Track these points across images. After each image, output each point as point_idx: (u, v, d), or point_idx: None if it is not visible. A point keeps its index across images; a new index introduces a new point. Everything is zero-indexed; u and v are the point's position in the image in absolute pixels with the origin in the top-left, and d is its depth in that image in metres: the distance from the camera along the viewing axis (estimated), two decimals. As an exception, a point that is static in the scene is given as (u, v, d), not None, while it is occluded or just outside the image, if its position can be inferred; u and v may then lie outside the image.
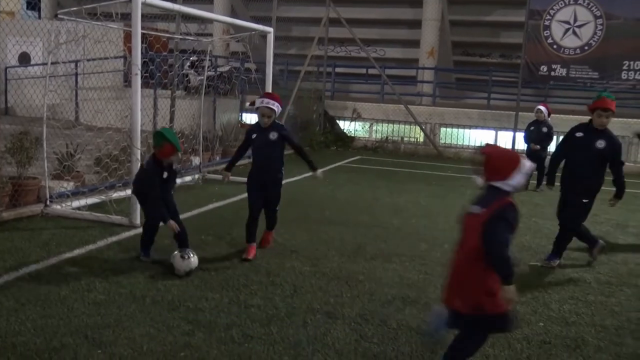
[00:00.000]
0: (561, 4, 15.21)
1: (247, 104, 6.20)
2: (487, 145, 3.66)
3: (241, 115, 15.79)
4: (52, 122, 8.00)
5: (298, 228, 7.27)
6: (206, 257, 5.80)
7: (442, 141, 16.89)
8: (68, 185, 7.98)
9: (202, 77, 11.74)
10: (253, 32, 10.58)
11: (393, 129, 17.27)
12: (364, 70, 20.02)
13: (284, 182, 6.36)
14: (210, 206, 8.41)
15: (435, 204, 9.51)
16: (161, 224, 5.69)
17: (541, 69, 15.57)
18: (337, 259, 6.20)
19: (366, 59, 17.86)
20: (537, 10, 15.37)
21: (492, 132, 16.50)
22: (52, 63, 8.17)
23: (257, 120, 6.08)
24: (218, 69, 15.64)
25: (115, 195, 8.01)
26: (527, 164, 3.50)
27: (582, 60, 15.22)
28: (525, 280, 5.89)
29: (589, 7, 14.98)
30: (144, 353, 3.92)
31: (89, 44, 9.65)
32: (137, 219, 6.94)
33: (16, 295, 4.74)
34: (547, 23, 15.30)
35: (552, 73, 15.51)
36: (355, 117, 17.43)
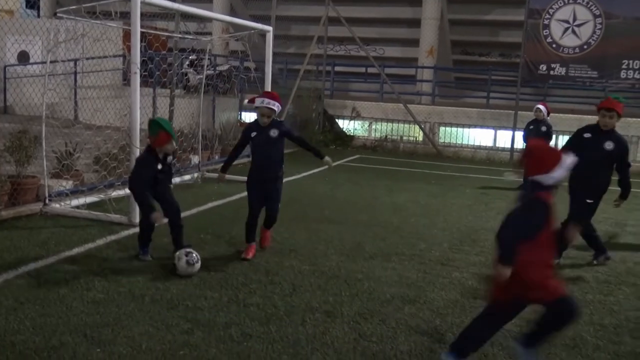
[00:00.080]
0: (560, 3, 15.22)
1: (246, 101, 6.15)
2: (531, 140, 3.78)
3: (240, 114, 15.79)
4: (51, 121, 8.00)
5: (297, 227, 7.27)
6: (205, 256, 5.79)
7: (442, 140, 16.90)
8: (67, 184, 7.97)
9: (201, 76, 11.74)
10: (252, 31, 10.57)
11: (392, 128, 17.27)
12: (363, 69, 20.03)
13: (283, 181, 6.34)
14: (210, 205, 8.41)
15: (434, 203, 9.52)
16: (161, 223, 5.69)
17: (540, 68, 15.57)
18: (336, 258, 6.20)
19: (365, 58, 17.86)
20: (536, 9, 15.38)
21: (492, 131, 16.51)
22: (51, 62, 8.17)
23: (255, 118, 6.05)
24: (217, 68, 15.64)
25: (114, 194, 8.02)
26: (568, 159, 3.56)
27: (581, 59, 15.22)
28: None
29: (588, 6, 14.99)
30: (143, 352, 3.92)
31: (88, 43, 9.63)
32: (136, 217, 6.92)
33: (15, 294, 4.74)
34: (546, 22, 15.30)
35: (552, 72, 15.51)
36: (355, 116, 17.43)
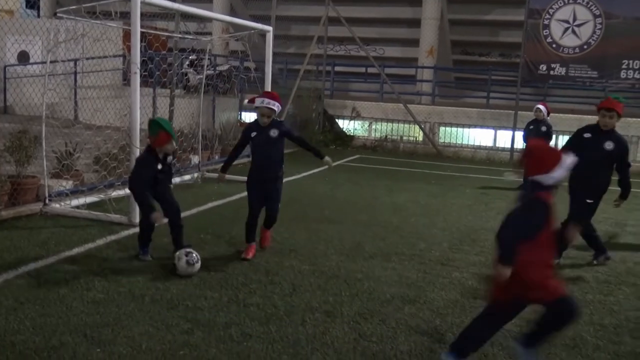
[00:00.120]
0: (560, 3, 15.21)
1: (246, 101, 6.13)
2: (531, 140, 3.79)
3: (240, 114, 15.79)
4: (51, 121, 8.00)
5: (297, 227, 7.27)
6: (205, 256, 5.79)
7: (442, 140, 16.90)
8: (67, 184, 7.98)
9: (202, 76, 11.74)
10: (252, 31, 10.57)
11: (392, 128, 17.27)
12: (363, 69, 20.03)
13: (283, 181, 6.34)
14: (210, 205, 8.41)
15: (434, 203, 9.52)
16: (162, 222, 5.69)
17: (540, 68, 15.57)
18: (336, 258, 6.20)
19: (365, 58, 17.86)
20: (536, 9, 15.38)
21: (492, 131, 16.51)
22: (51, 62, 8.17)
23: (255, 118, 6.05)
24: (217, 68, 15.65)
25: (114, 194, 8.02)
26: (568, 159, 3.56)
27: (581, 59, 15.22)
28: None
29: (588, 6, 14.99)
30: (142, 351, 3.92)
31: (88, 43, 9.63)
32: (136, 217, 6.92)
33: (15, 294, 4.74)
34: (546, 22, 15.30)
35: (552, 72, 15.51)
36: (355, 116, 17.43)
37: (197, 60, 13.96)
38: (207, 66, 12.00)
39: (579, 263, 6.46)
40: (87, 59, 12.61)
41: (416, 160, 15.00)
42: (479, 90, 19.45)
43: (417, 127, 16.74)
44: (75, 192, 7.85)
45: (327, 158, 6.23)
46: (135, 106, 6.98)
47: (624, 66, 14.95)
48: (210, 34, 17.98)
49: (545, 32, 15.35)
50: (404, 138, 17.11)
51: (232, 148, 6.37)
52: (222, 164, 6.34)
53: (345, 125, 17.71)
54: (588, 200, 6.17)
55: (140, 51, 7.11)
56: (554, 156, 3.58)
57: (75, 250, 5.97)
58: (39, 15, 23.82)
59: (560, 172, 3.53)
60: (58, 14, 7.49)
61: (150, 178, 5.64)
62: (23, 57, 15.88)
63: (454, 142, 16.78)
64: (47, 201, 7.41)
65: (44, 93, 7.55)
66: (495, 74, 18.59)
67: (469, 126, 16.67)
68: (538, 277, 3.53)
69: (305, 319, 4.58)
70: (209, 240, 6.60)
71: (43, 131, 7.44)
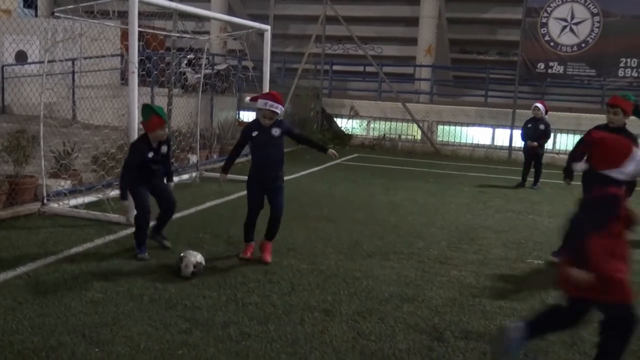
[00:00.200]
0: (558, 1, 15.22)
1: (248, 99, 6.09)
2: (595, 131, 3.61)
3: (238, 113, 15.79)
4: (49, 121, 7.99)
5: (295, 226, 7.27)
6: (203, 256, 5.78)
7: (440, 139, 16.91)
8: (65, 184, 7.97)
9: (200, 75, 11.73)
10: (250, 30, 10.57)
11: (390, 127, 17.27)
12: (361, 68, 20.03)
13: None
14: (208, 204, 8.41)
15: (432, 201, 9.52)
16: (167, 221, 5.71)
17: (538, 66, 15.57)
18: (334, 257, 6.20)
19: (364, 57, 17.86)
20: (534, 7, 15.38)
21: (490, 130, 16.53)
22: (49, 61, 8.16)
23: (255, 118, 6.01)
24: (215, 67, 15.64)
25: (113, 193, 7.99)
26: (639, 152, 3.39)
27: (579, 57, 15.23)
28: (522, 277, 5.92)
29: (586, 4, 14.99)
30: (141, 351, 3.92)
31: (86, 42, 9.62)
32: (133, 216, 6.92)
33: (13, 294, 4.73)
34: (544, 20, 15.31)
35: (550, 70, 15.52)
36: (353, 114, 17.43)
37: (195, 59, 13.96)
38: (205, 65, 11.99)
39: (554, 260, 6.45)
40: (85, 58, 12.61)
41: (414, 158, 15.01)
42: (477, 88, 19.46)
43: (415, 125, 16.74)
44: (73, 192, 7.84)
45: (330, 150, 6.14)
46: (133, 105, 6.98)
47: (621, 64, 14.96)
48: (208, 33, 17.99)
49: (543, 30, 15.36)
50: (402, 137, 17.12)
51: (230, 147, 6.33)
52: (222, 164, 6.30)
53: (343, 124, 17.72)
54: None
55: (138, 50, 7.11)
56: (624, 149, 3.38)
57: (74, 250, 5.96)
58: (36, 15, 23.80)
59: (633, 167, 3.34)
60: (55, 14, 7.48)
61: (140, 164, 5.75)
62: (21, 57, 15.88)
63: (452, 140, 16.79)
64: (45, 201, 7.40)
65: (42, 93, 7.54)
66: (493, 72, 18.61)
67: (467, 125, 16.68)
68: (612, 269, 3.30)
69: (303, 318, 4.58)
70: (208, 239, 6.60)
71: (41, 131, 7.43)
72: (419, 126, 16.62)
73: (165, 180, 6.17)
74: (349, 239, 6.92)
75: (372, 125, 17.52)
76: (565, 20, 15.17)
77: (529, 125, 11.17)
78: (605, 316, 3.51)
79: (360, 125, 17.71)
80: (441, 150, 16.28)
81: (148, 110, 5.76)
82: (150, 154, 5.77)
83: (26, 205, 7.29)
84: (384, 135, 17.20)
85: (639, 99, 6.22)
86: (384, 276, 5.68)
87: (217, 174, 7.48)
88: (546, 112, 11.19)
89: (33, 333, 4.08)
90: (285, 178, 6.02)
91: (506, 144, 15.87)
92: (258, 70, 12.25)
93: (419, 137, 16.94)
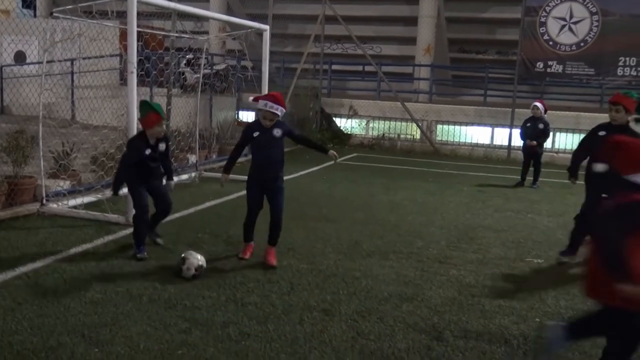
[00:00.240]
0: (557, 0, 15.21)
1: (251, 98, 6.06)
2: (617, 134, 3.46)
3: (237, 113, 15.78)
4: (48, 121, 7.99)
5: (295, 225, 7.26)
6: (203, 255, 5.79)
7: (439, 138, 16.91)
8: (64, 184, 7.97)
9: (199, 75, 11.73)
10: (249, 30, 10.57)
11: (389, 126, 17.27)
12: (360, 68, 20.05)
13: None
14: (207, 204, 8.41)
15: (431, 200, 9.53)
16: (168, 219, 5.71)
17: (537, 65, 15.57)
18: (333, 256, 6.20)
19: (362, 56, 17.87)
20: (533, 7, 15.38)
21: (489, 129, 16.54)
22: (47, 62, 8.16)
23: (256, 118, 5.99)
24: (214, 67, 15.64)
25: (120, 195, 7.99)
26: None
27: (578, 56, 15.23)
28: (521, 276, 5.92)
29: (585, 3, 14.99)
30: (140, 351, 3.92)
31: (85, 42, 9.62)
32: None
33: (13, 294, 4.73)
34: (543, 20, 15.31)
35: (548, 69, 15.52)
36: (352, 114, 17.43)
37: (194, 59, 13.95)
38: (204, 65, 11.99)
39: (563, 259, 6.46)
40: (84, 58, 12.60)
41: (413, 158, 15.01)
42: (476, 88, 19.48)
43: (414, 125, 16.74)
44: (72, 192, 7.84)
45: (331, 152, 6.13)
46: (132, 106, 6.97)
47: (620, 63, 14.95)
48: (207, 33, 17.98)
49: (542, 29, 15.36)
50: (401, 136, 17.11)
51: (230, 147, 6.33)
52: (221, 164, 6.31)
53: (342, 123, 17.72)
54: (604, 195, 6.16)
55: (137, 50, 7.11)
56: None
57: (73, 251, 5.96)
58: (35, 15, 23.79)
59: None
60: (54, 14, 7.47)
61: (137, 161, 5.77)
62: (20, 57, 15.87)
63: (452, 140, 16.80)
64: (44, 201, 7.40)
65: (41, 93, 7.53)
66: (492, 71, 18.63)
67: (466, 124, 16.68)
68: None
69: (303, 318, 4.58)
70: (207, 239, 6.60)
71: (40, 131, 7.43)
72: (418, 126, 16.62)
73: (165, 179, 6.18)
74: (349, 238, 6.92)
75: (371, 125, 17.52)
76: (564, 19, 15.18)
77: (528, 124, 11.17)
78: (628, 323, 3.42)
79: (359, 125, 17.71)
80: (440, 149, 16.29)
81: (146, 107, 5.78)
82: (148, 151, 5.77)
83: (25, 206, 7.29)
84: (383, 134, 17.19)
85: None
86: (383, 276, 5.68)
87: (216, 174, 7.53)
88: (545, 111, 11.20)
89: (32, 333, 4.08)
90: (285, 178, 6.02)
91: (505, 143, 15.88)
92: (257, 70, 12.25)
93: (418, 136, 16.94)
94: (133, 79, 6.98)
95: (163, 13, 12.26)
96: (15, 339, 3.98)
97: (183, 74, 14.61)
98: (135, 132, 6.94)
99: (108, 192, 7.90)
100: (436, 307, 4.94)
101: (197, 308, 4.66)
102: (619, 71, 15.01)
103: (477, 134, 16.68)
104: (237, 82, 14.86)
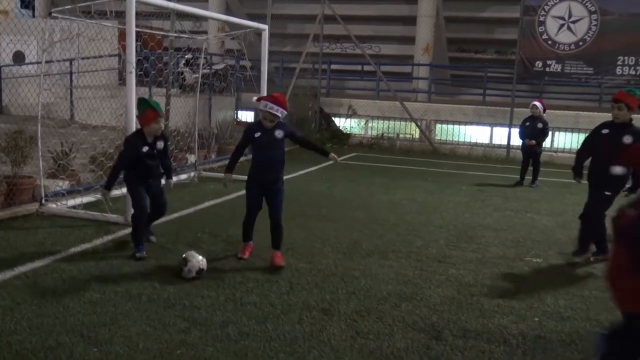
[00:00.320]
0: (556, -1, 15.24)
1: (254, 99, 6.04)
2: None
3: (237, 113, 15.79)
4: (46, 121, 7.98)
5: (294, 225, 7.26)
6: (202, 256, 5.78)
7: (438, 137, 16.91)
8: (63, 184, 7.97)
9: (197, 75, 11.73)
10: (248, 30, 10.56)
11: (389, 126, 17.27)
12: (359, 67, 20.03)
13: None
14: (206, 204, 8.41)
15: (431, 200, 9.53)
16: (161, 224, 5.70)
17: (536, 64, 15.58)
18: (333, 256, 6.20)
19: (361, 56, 17.86)
20: (531, 6, 15.38)
21: (488, 129, 16.55)
22: (46, 62, 8.16)
23: (258, 118, 5.97)
24: (213, 67, 15.63)
25: (111, 193, 7.98)
26: None
27: (576, 55, 15.24)
28: (520, 276, 5.92)
29: (584, 2, 15.00)
30: (139, 351, 3.92)
31: (83, 42, 9.63)
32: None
33: (12, 294, 4.73)
34: (541, 19, 15.31)
35: (547, 69, 15.52)
36: (351, 114, 17.43)
37: (193, 59, 13.94)
38: (203, 65, 11.99)
39: (576, 260, 6.47)
40: (83, 58, 12.60)
41: (413, 157, 15.01)
42: (475, 87, 19.47)
43: (413, 124, 16.75)
44: (71, 192, 7.84)
45: (332, 154, 6.12)
46: (131, 106, 6.97)
47: (619, 62, 14.96)
48: (206, 32, 17.97)
49: (541, 28, 15.36)
50: (401, 136, 17.11)
51: (229, 147, 6.33)
52: (220, 164, 6.31)
53: (341, 123, 17.72)
54: (607, 193, 6.17)
55: (136, 50, 7.10)
56: None
57: (72, 250, 5.96)
58: (34, 15, 23.77)
59: None
60: (53, 14, 7.47)
61: (135, 161, 5.77)
62: (18, 57, 15.86)
63: (451, 139, 16.80)
64: (43, 201, 7.40)
65: (40, 93, 7.53)
66: (491, 71, 18.62)
67: (465, 123, 16.68)
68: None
69: (302, 317, 4.59)
70: (206, 239, 6.60)
71: (39, 131, 7.42)
72: (417, 125, 16.63)
73: (164, 178, 6.19)
74: (348, 238, 6.93)
75: (370, 124, 17.52)
76: (562, 18, 15.18)
77: (527, 123, 11.18)
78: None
79: (358, 125, 17.71)
80: (439, 149, 16.29)
81: (143, 104, 5.79)
82: (145, 149, 5.77)
83: (24, 206, 7.29)
84: (382, 134, 17.20)
85: None
86: (382, 275, 5.68)
87: (215, 174, 7.53)
88: (544, 111, 11.20)
89: (31, 333, 4.08)
90: (284, 177, 6.02)
91: (504, 142, 15.88)
92: (256, 70, 12.25)
93: (417, 136, 16.95)
94: (132, 79, 6.97)
95: (162, 13, 12.28)
96: (14, 339, 3.98)
97: (182, 73, 14.60)
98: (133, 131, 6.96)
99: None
100: (435, 307, 4.94)
101: (196, 308, 4.66)
102: (618, 70, 15.01)
103: (476, 134, 16.69)
104: (236, 81, 14.87)
